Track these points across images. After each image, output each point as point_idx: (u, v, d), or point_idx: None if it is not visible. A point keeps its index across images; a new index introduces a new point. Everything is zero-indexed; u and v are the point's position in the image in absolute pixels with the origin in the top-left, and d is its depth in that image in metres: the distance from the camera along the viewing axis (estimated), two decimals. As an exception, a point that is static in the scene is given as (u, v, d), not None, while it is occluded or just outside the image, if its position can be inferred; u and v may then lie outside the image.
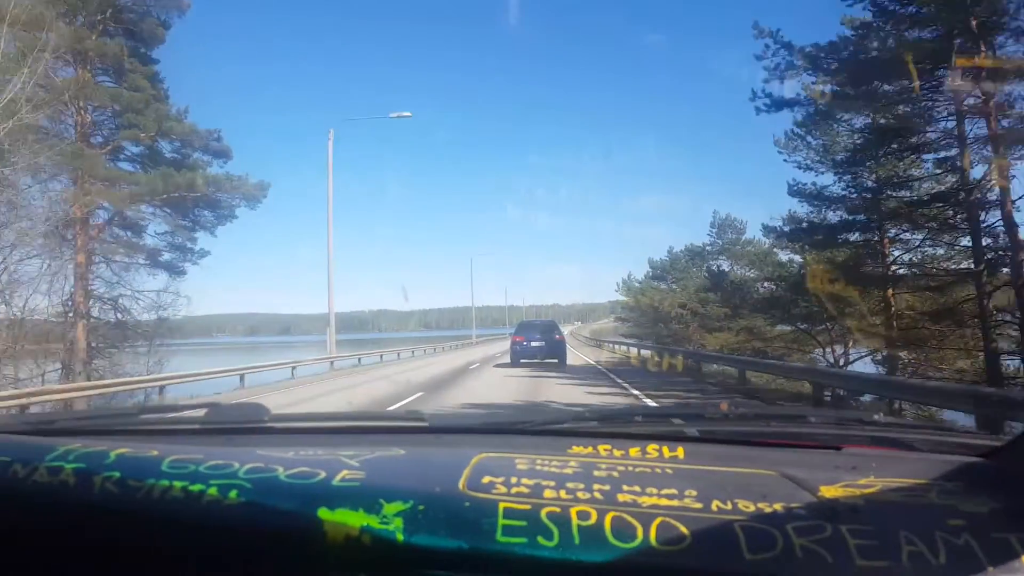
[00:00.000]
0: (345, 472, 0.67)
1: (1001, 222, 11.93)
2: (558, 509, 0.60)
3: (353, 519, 0.59)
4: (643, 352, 24.11)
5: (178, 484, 0.64)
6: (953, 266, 15.14)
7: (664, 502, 0.63)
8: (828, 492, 0.66)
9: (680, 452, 0.82)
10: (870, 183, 16.14)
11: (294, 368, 17.28)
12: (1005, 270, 12.27)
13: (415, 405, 9.25)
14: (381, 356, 25.77)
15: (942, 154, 14.05)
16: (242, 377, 14.69)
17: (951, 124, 13.24)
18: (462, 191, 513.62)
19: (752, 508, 0.61)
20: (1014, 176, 12.11)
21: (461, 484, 0.66)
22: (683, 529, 0.58)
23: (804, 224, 16.07)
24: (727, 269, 26.99)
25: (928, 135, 14.07)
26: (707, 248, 31.08)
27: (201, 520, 0.61)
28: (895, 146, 14.68)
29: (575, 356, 23.82)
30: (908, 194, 15.83)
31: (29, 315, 14.64)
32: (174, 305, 18.32)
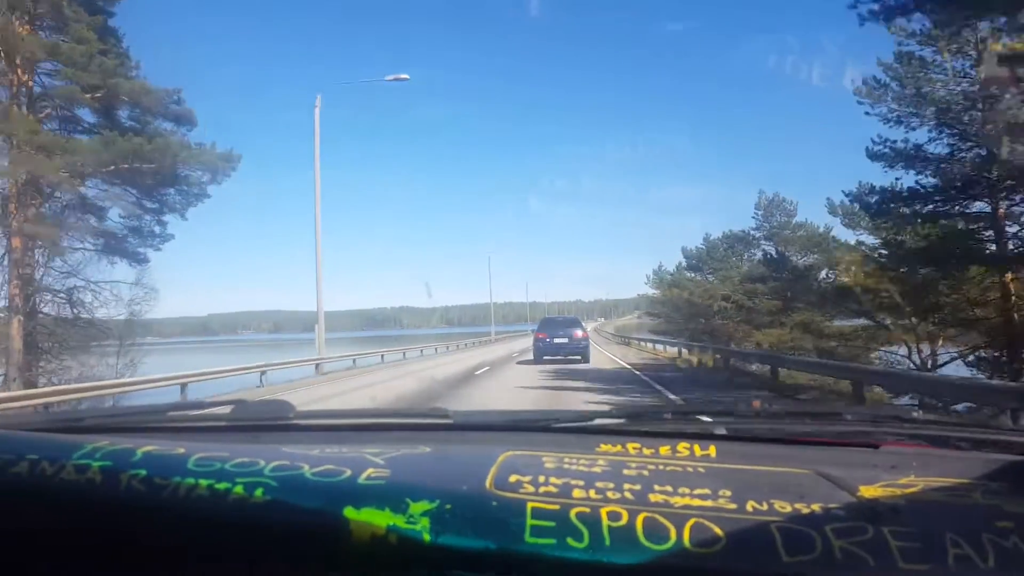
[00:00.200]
0: (371, 470, 0.66)
1: None
2: (588, 509, 0.59)
3: (379, 519, 0.58)
4: (685, 352, 20.96)
5: (204, 482, 0.63)
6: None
7: (697, 502, 0.61)
8: (867, 492, 0.64)
9: (712, 451, 0.80)
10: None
11: (263, 373, 14.44)
12: None
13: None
14: (382, 356, 22.97)
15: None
16: (184, 386, 11.86)
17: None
18: (485, 187, 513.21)
19: (788, 509, 0.60)
20: None
21: (488, 483, 0.65)
22: (718, 530, 0.57)
23: (904, 192, 12.41)
24: (786, 255, 23.37)
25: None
26: (752, 233, 27.61)
27: (227, 519, 0.61)
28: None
29: (602, 356, 21.45)
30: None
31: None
32: (144, 300, 16.07)
